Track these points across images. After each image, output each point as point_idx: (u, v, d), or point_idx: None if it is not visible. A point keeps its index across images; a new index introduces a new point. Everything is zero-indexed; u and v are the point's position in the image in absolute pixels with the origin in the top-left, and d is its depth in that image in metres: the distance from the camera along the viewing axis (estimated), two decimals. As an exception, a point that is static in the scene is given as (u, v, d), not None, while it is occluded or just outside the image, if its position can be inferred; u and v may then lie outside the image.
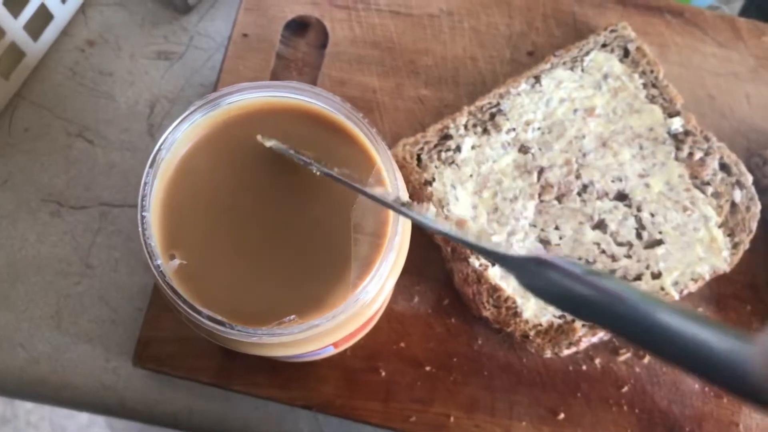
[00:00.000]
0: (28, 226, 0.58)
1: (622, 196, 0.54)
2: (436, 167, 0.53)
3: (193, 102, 0.39)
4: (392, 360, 0.53)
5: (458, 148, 0.54)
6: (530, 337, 0.51)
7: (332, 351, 0.48)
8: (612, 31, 0.57)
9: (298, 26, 0.60)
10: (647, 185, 0.54)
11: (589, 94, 0.55)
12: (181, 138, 0.38)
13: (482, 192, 0.53)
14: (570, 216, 0.53)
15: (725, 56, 0.60)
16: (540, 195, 0.53)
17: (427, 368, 0.53)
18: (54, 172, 0.60)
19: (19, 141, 0.60)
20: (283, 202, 0.38)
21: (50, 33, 0.61)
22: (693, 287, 0.52)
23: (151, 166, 0.36)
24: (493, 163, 0.54)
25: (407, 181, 0.53)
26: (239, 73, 0.58)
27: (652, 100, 0.55)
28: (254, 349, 0.37)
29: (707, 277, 0.52)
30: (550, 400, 0.52)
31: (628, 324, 0.23)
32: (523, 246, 0.52)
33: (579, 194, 0.54)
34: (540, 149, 0.54)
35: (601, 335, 0.51)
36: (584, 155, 0.54)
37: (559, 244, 0.53)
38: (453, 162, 0.53)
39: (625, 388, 0.53)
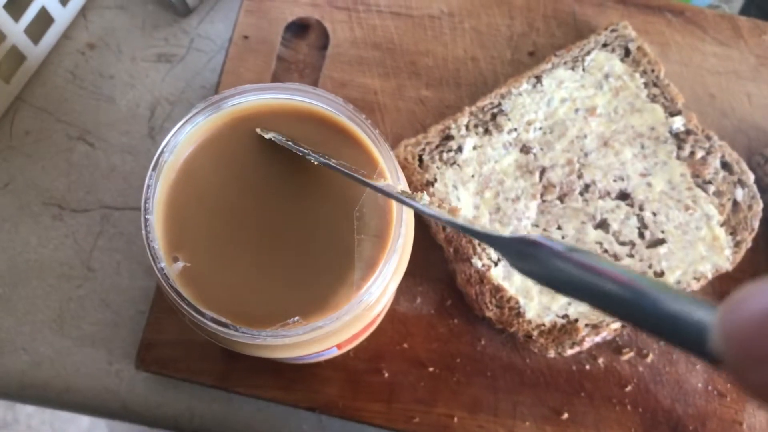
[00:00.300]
0: (29, 229, 0.58)
1: (624, 196, 0.54)
2: (437, 168, 0.53)
3: (195, 104, 0.39)
4: (395, 361, 0.53)
5: (460, 149, 0.54)
6: (533, 338, 0.51)
7: (335, 352, 0.48)
8: (613, 30, 0.57)
9: (299, 28, 0.60)
10: (649, 184, 0.54)
11: (591, 94, 0.55)
12: (183, 140, 0.38)
13: (484, 192, 0.53)
14: (572, 216, 0.53)
15: (726, 55, 0.60)
16: (542, 195, 0.53)
17: (431, 369, 0.53)
18: (55, 175, 0.60)
19: (20, 144, 0.60)
20: (286, 204, 0.38)
21: (51, 36, 0.61)
22: (696, 286, 0.52)
23: (153, 169, 0.36)
24: (494, 163, 0.54)
25: (409, 182, 0.53)
26: (240, 75, 0.58)
27: (653, 99, 0.55)
28: (258, 350, 0.37)
29: (710, 276, 0.52)
30: (553, 399, 0.52)
31: (609, 298, 0.24)
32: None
33: (581, 194, 0.54)
34: (542, 149, 0.54)
35: (605, 335, 0.51)
36: (586, 155, 0.54)
37: (561, 244, 0.52)
38: (455, 162, 0.53)
39: (629, 388, 0.53)
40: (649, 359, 0.53)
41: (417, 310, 0.54)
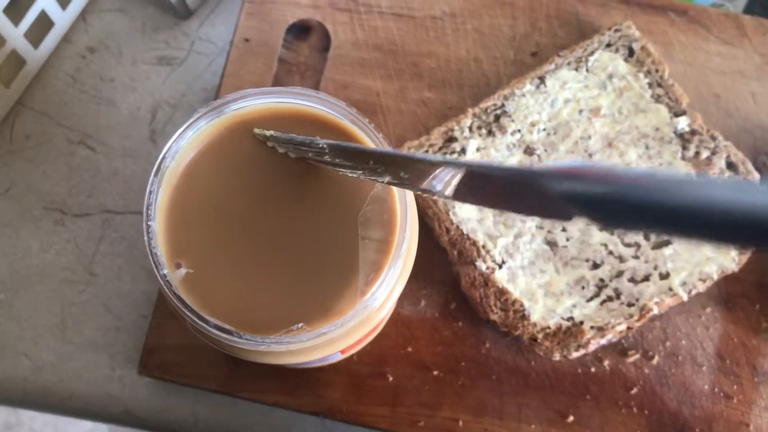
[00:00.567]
0: (30, 234, 0.58)
1: (628, 197, 0.53)
2: (441, 170, 0.53)
3: (197, 108, 0.39)
4: (399, 365, 0.53)
5: (463, 151, 0.53)
6: (538, 341, 0.50)
7: (339, 357, 0.48)
8: (616, 30, 0.56)
9: (300, 30, 0.59)
10: (654, 185, 0.53)
11: (594, 95, 0.55)
12: (185, 146, 0.38)
13: (488, 194, 0.53)
14: (576, 217, 0.53)
15: (730, 54, 0.59)
16: (546, 196, 0.53)
17: (435, 372, 0.53)
18: (56, 179, 0.59)
19: (21, 149, 0.60)
20: (289, 209, 0.37)
21: (51, 40, 0.61)
22: (701, 287, 0.52)
23: (156, 175, 0.36)
24: (498, 165, 0.53)
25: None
26: (242, 77, 0.57)
27: (657, 99, 0.55)
28: (262, 357, 0.37)
29: (715, 277, 0.52)
30: (559, 402, 0.52)
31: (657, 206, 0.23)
32: (530, 248, 0.52)
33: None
34: (546, 150, 0.54)
35: (610, 337, 0.51)
36: (590, 156, 0.54)
37: (566, 246, 0.52)
38: (458, 164, 0.53)
39: (634, 390, 0.52)
40: (654, 361, 0.53)
41: (421, 313, 0.54)
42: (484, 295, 0.51)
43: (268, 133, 0.38)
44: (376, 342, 0.52)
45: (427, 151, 0.53)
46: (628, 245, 0.52)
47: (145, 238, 0.35)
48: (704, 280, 0.52)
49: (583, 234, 0.52)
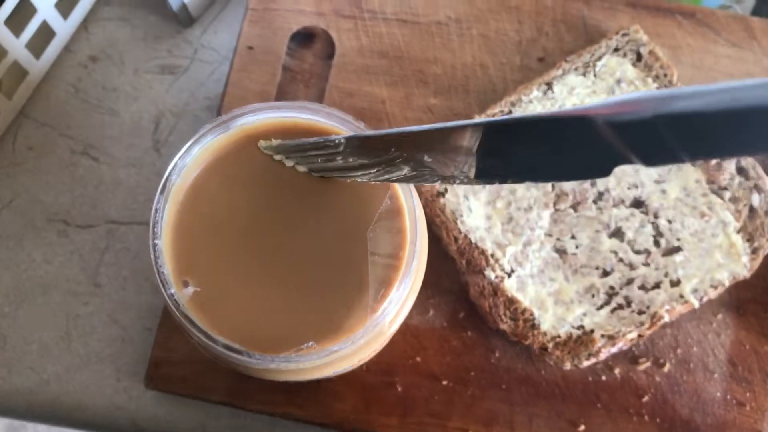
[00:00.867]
0: (34, 246, 0.58)
1: (638, 203, 0.53)
2: (448, 178, 0.52)
3: (201, 117, 0.38)
4: (408, 374, 0.52)
5: (470, 158, 0.53)
6: (549, 350, 0.50)
7: (348, 368, 0.47)
8: (624, 35, 0.56)
9: (304, 37, 0.59)
10: (664, 191, 0.53)
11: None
12: (191, 162, 0.37)
13: (496, 202, 0.52)
14: (586, 224, 0.52)
15: (739, 57, 0.59)
16: (555, 204, 0.52)
17: (444, 382, 0.52)
18: (59, 190, 0.59)
19: (24, 160, 0.59)
20: (297, 224, 0.37)
21: (52, 50, 0.60)
22: (713, 294, 0.51)
23: (161, 193, 0.35)
24: (506, 172, 0.53)
25: (419, 193, 0.52)
26: (245, 86, 0.57)
27: (666, 104, 0.54)
28: (271, 375, 0.37)
29: (727, 284, 0.51)
30: (569, 411, 0.52)
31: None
32: (539, 256, 0.51)
33: (594, 202, 0.53)
34: (553, 157, 0.53)
35: (621, 345, 0.50)
36: (599, 162, 0.53)
37: (575, 253, 0.52)
38: (465, 172, 0.53)
39: (646, 398, 0.52)
40: (666, 369, 0.52)
41: (429, 323, 0.53)
42: (493, 305, 0.50)
43: (275, 142, 0.37)
44: (385, 352, 0.51)
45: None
46: (638, 252, 0.52)
47: (152, 257, 0.35)
48: (716, 287, 0.51)
49: (592, 241, 0.52)
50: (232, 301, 0.36)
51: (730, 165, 0.53)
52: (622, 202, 0.53)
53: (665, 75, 0.55)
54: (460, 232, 0.52)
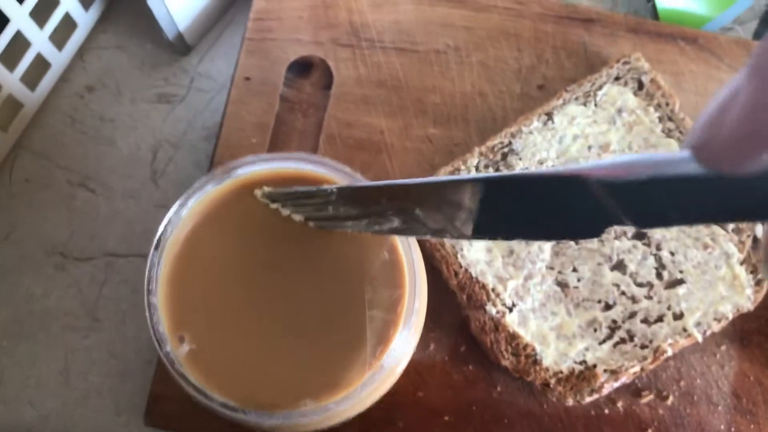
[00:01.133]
0: (32, 280, 0.57)
1: (640, 235, 0.52)
2: (448, 212, 0.52)
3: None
4: (410, 410, 0.52)
5: (470, 191, 0.52)
6: (551, 386, 0.49)
7: (346, 420, 0.47)
8: (625, 63, 0.55)
9: (302, 67, 0.58)
10: (666, 223, 0.52)
11: (604, 130, 0.54)
12: (186, 214, 0.37)
13: (496, 235, 0.52)
14: (588, 257, 0.52)
15: (741, 82, 0.58)
16: (556, 236, 0.52)
17: (446, 418, 0.52)
18: (57, 223, 0.58)
19: (20, 192, 0.59)
20: (294, 277, 0.36)
21: (48, 81, 0.60)
22: (716, 327, 0.51)
23: (156, 248, 0.35)
24: (506, 205, 0.52)
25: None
26: (242, 118, 0.56)
27: (668, 133, 0.54)
28: (269, 430, 0.36)
29: (730, 317, 0.51)
30: (572, 446, 0.51)
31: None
32: (541, 290, 0.51)
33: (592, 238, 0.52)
34: (554, 189, 0.53)
35: (624, 380, 0.50)
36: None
37: (577, 287, 0.51)
38: (465, 205, 0.52)
39: (649, 431, 0.51)
40: (669, 401, 0.52)
41: (430, 357, 0.53)
42: (495, 341, 0.50)
43: (267, 189, 0.37)
44: (386, 388, 0.51)
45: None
46: (640, 285, 0.51)
47: (147, 315, 0.34)
48: (719, 320, 0.50)
49: (594, 274, 0.51)
50: (228, 357, 0.35)
51: (733, 195, 0.52)
52: (624, 234, 0.52)
53: (667, 104, 0.54)
54: (461, 266, 0.51)
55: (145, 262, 0.57)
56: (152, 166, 0.59)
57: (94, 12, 0.62)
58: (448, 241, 0.52)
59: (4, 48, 0.53)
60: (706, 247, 0.52)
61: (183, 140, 0.60)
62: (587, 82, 0.55)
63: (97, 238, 0.58)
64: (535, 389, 0.52)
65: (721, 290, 0.51)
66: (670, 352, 0.50)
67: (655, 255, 0.52)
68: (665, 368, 0.52)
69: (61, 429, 0.55)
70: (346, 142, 0.56)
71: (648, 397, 0.52)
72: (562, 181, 0.27)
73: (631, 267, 0.51)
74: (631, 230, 0.52)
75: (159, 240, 0.35)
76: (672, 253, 0.52)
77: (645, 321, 0.51)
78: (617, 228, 0.52)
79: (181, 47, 0.61)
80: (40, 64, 0.58)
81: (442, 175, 0.53)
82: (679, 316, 0.51)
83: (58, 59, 0.59)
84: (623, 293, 0.51)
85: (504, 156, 0.53)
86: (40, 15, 0.55)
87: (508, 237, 0.31)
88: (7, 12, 0.51)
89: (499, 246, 0.52)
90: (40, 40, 0.56)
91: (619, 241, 0.52)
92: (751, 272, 0.51)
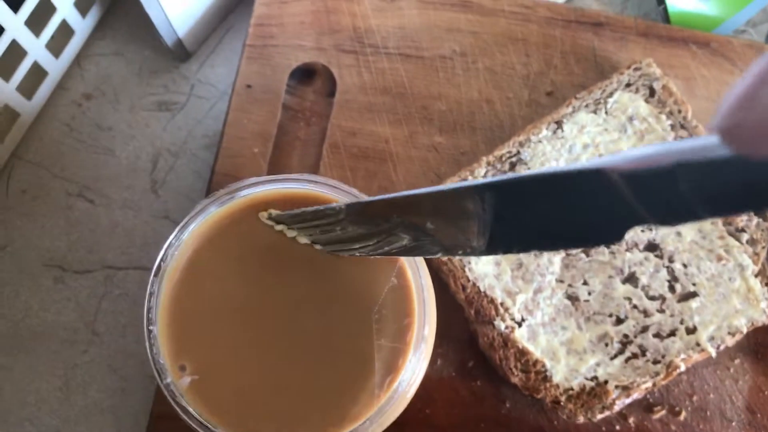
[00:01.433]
0: (30, 293, 0.56)
1: (652, 247, 0.51)
2: (455, 224, 0.50)
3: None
4: (418, 428, 0.50)
5: (478, 203, 0.51)
6: (561, 403, 0.48)
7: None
8: (636, 69, 0.54)
9: (304, 74, 0.57)
10: (679, 234, 0.51)
11: (615, 138, 0.52)
12: (187, 238, 0.35)
13: (505, 248, 0.50)
14: (598, 269, 0.50)
15: (755, 88, 0.56)
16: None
17: (454, 435, 0.50)
18: (55, 234, 0.57)
19: (18, 203, 0.58)
20: (299, 303, 0.35)
21: (45, 90, 0.58)
22: (730, 342, 0.49)
23: (155, 275, 0.34)
24: (515, 216, 0.51)
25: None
26: (244, 126, 0.55)
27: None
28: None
29: (745, 330, 0.49)
30: (583, 463, 0.50)
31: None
32: (551, 304, 0.50)
33: (607, 246, 0.51)
34: (564, 200, 0.51)
35: (636, 396, 0.49)
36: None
37: (588, 300, 0.50)
38: (473, 217, 0.51)
39: (662, 447, 0.50)
40: (681, 417, 0.51)
41: (438, 373, 0.51)
42: (504, 357, 0.49)
43: (274, 212, 0.36)
44: (392, 405, 0.50)
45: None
46: (652, 298, 0.50)
47: (147, 345, 0.33)
48: (733, 334, 0.49)
49: (605, 287, 0.50)
50: (231, 388, 0.34)
51: (747, 205, 0.51)
52: (636, 245, 0.51)
53: (679, 111, 0.53)
54: (468, 280, 0.50)
55: (144, 274, 0.56)
56: (152, 176, 0.58)
57: (92, 18, 0.60)
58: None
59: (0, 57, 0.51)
60: (719, 259, 0.50)
61: (183, 149, 0.59)
62: (597, 89, 0.53)
63: (96, 250, 0.57)
64: (545, 405, 0.51)
65: (735, 303, 0.50)
66: (683, 368, 0.49)
67: (667, 267, 0.50)
68: (678, 383, 0.51)
69: (61, 446, 0.54)
70: (350, 151, 0.55)
71: (660, 413, 0.51)
72: (582, 177, 0.25)
73: (643, 280, 0.50)
74: (643, 242, 0.51)
75: (159, 266, 0.34)
76: (685, 265, 0.50)
77: (657, 335, 0.49)
78: (628, 239, 0.51)
79: (181, 54, 0.59)
80: (37, 73, 0.56)
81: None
82: (692, 330, 0.49)
83: (55, 67, 0.58)
84: (635, 307, 0.50)
85: (512, 165, 0.52)
86: (36, 23, 0.54)
87: (524, 248, 0.30)
88: (2, 22, 0.49)
89: (508, 259, 0.50)
90: (36, 48, 0.54)
91: (630, 252, 0.51)
92: (766, 285, 0.50)
